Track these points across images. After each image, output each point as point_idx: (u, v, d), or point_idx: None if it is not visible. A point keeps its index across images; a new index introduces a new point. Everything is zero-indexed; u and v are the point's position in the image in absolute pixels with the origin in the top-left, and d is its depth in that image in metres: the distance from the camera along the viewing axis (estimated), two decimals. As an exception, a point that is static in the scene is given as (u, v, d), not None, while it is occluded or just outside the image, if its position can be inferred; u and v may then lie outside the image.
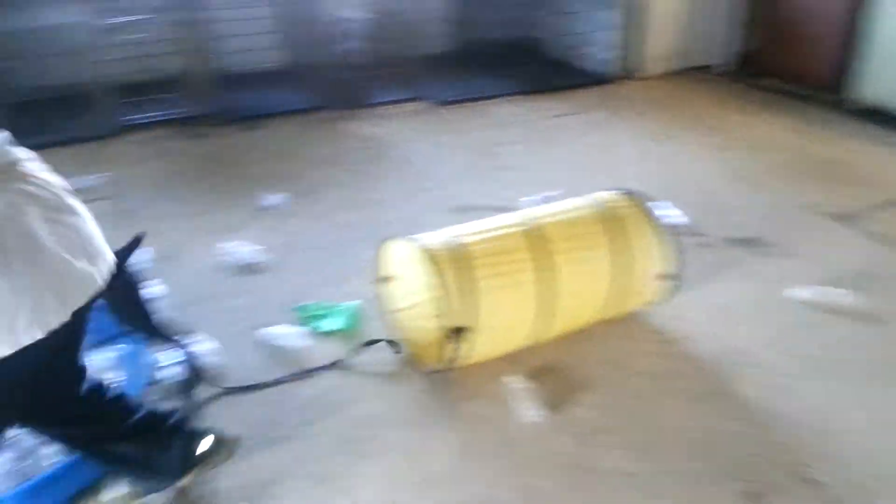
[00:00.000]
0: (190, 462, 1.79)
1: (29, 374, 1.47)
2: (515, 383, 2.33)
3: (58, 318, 1.40)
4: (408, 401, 2.33)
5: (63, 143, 4.23)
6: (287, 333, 2.58)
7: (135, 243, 1.96)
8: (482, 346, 2.29)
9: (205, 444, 1.82)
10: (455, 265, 2.23)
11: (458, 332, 2.20)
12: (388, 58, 5.08)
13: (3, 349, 1.35)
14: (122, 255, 1.88)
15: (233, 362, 2.45)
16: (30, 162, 1.46)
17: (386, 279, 2.55)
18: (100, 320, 2.33)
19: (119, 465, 1.78)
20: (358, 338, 2.59)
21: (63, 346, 1.53)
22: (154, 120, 4.62)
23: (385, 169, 4.17)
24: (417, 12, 5.27)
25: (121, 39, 4.40)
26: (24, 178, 1.41)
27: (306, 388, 2.37)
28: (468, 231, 2.39)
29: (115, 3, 4.47)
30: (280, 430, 2.18)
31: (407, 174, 4.10)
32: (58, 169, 3.79)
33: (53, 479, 1.84)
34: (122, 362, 2.29)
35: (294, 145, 4.49)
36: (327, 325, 2.65)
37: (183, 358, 2.38)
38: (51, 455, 1.91)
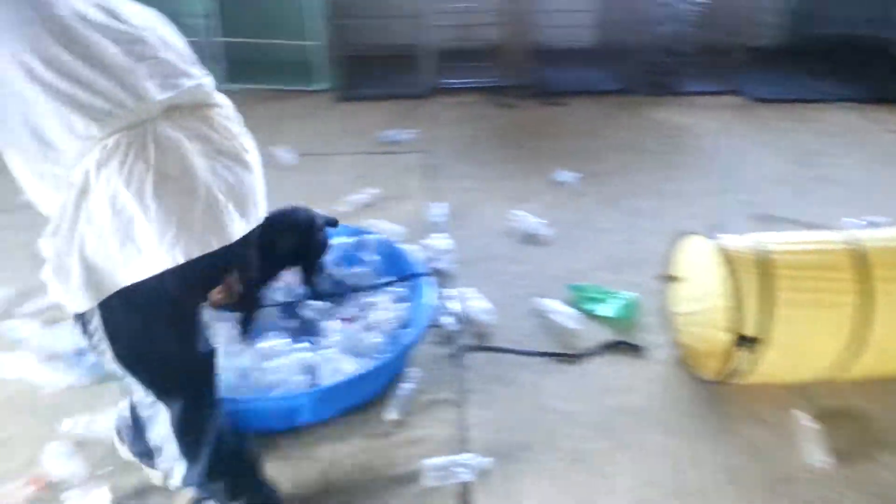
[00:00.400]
0: None
1: (158, 302, 1.39)
2: (803, 419, 2.07)
3: (199, 247, 1.32)
4: (677, 405, 2.19)
5: (385, 98, 4.71)
6: (560, 310, 2.58)
7: (332, 223, 2.20)
8: (771, 365, 2.06)
9: None
10: (756, 271, 2.03)
11: (746, 342, 2.01)
12: (709, 46, 4.77)
13: (147, 267, 1.31)
14: (320, 223, 2.12)
15: (502, 324, 2.53)
16: (221, 109, 1.45)
17: (674, 278, 2.41)
18: (398, 262, 2.60)
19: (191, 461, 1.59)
20: (630, 329, 2.51)
21: (191, 284, 1.41)
22: (466, 86, 4.90)
23: (687, 162, 3.95)
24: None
25: (450, 7, 4.72)
26: (207, 119, 1.40)
27: (570, 367, 2.35)
28: (777, 240, 2.15)
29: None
30: (537, 400, 2.20)
31: (710, 171, 3.83)
32: (378, 120, 4.24)
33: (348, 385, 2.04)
34: (410, 299, 2.47)
35: (596, 125, 4.45)
36: (602, 309, 2.59)
37: (458, 310, 2.52)
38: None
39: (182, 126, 1.35)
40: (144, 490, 1.84)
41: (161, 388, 1.51)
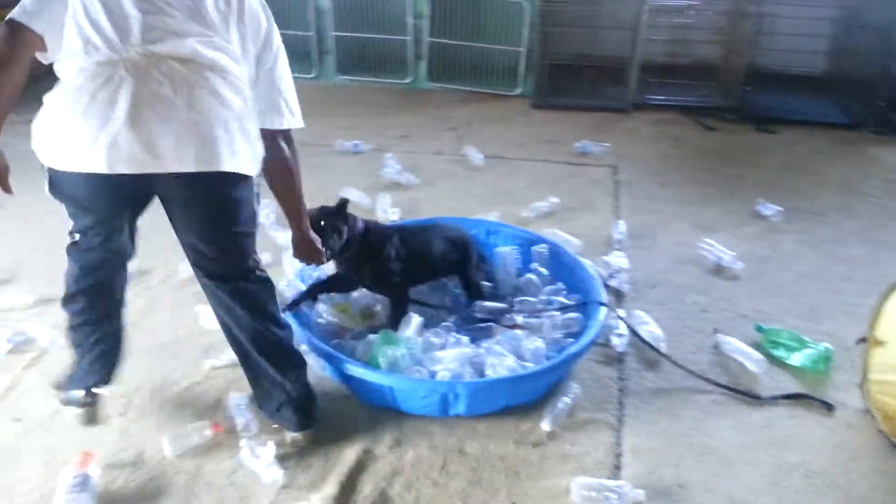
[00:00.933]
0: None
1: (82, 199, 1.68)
2: None
3: (92, 165, 1.57)
4: (863, 476, 1.95)
5: (583, 108, 4.65)
6: (743, 350, 2.40)
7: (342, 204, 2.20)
8: None
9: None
10: None
11: None
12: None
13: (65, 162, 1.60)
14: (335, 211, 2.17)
15: (674, 354, 2.39)
16: (215, 70, 1.62)
17: (878, 341, 2.14)
18: (572, 274, 2.57)
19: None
20: (819, 384, 2.28)
21: (110, 193, 1.67)
22: (668, 103, 4.71)
23: (911, 210, 3.51)
24: None
25: (667, 21, 4.56)
26: (169, 72, 1.58)
27: (745, 411, 2.18)
28: None
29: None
30: (702, 440, 2.06)
31: (937, 223, 3.37)
32: (572, 130, 4.15)
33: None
34: (585, 314, 2.43)
35: (808, 159, 4.09)
36: (794, 358, 2.37)
37: (627, 332, 2.43)
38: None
39: (144, 70, 1.58)
40: (306, 450, 1.97)
41: None
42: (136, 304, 2.50)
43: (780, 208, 3.38)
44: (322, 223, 2.11)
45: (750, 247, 3.11)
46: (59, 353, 2.32)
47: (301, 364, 1.97)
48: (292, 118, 1.83)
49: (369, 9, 4.88)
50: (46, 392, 2.15)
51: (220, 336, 1.97)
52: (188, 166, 1.62)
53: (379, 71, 5.03)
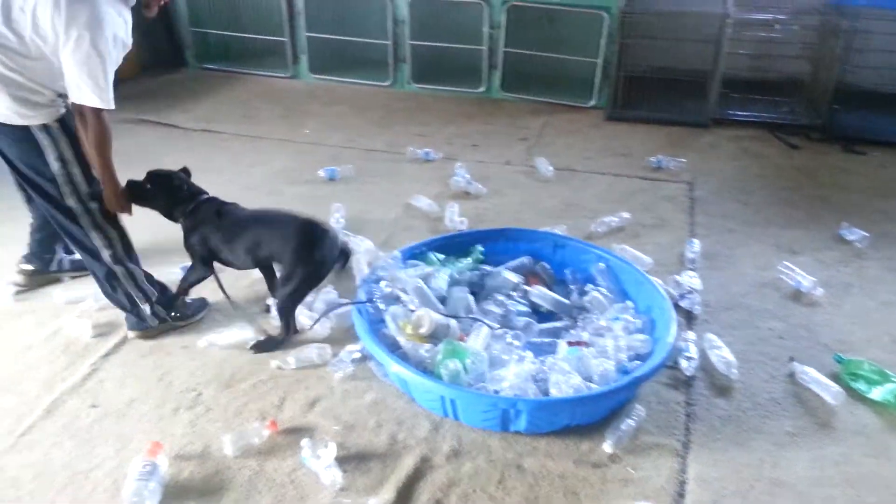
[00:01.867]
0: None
1: None
2: None
3: None
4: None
5: (658, 122, 4.54)
6: (821, 381, 2.29)
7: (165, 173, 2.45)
8: None
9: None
10: None
11: None
12: None
13: None
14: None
15: (746, 381, 2.32)
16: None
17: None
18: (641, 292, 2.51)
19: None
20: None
21: None
22: (748, 119, 4.55)
23: None
24: None
25: (752, 35, 4.42)
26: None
27: (821, 445, 2.08)
28: None
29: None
30: (773, 472, 1.98)
31: None
32: (646, 143, 4.06)
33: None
34: (648, 331, 2.37)
35: (901, 182, 3.88)
36: (875, 392, 2.25)
37: (696, 355, 2.36)
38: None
39: None
40: (365, 455, 1.99)
41: None
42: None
43: (866, 233, 3.21)
44: (148, 184, 2.41)
45: (832, 272, 2.97)
46: (137, 342, 2.43)
47: None
48: (80, 94, 2.09)
49: (445, 19, 4.92)
50: (123, 380, 2.25)
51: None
52: None
53: (452, 80, 5.06)
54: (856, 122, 4.37)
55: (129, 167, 2.41)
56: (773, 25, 4.39)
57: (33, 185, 2.23)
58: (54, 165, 2.19)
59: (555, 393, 2.05)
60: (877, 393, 2.25)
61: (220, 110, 4.67)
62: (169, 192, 2.42)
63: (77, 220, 2.26)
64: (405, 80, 5.08)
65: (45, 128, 2.15)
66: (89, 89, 2.06)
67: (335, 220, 3.18)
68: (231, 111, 4.66)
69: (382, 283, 2.43)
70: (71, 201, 2.23)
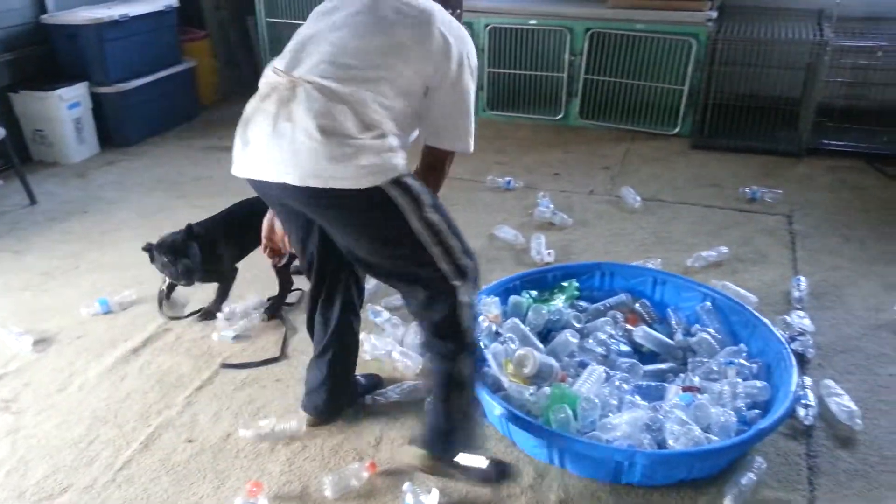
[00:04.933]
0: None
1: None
2: None
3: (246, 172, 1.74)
4: None
5: (746, 150, 4.37)
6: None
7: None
8: None
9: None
10: None
11: None
12: None
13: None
14: None
15: (870, 432, 2.15)
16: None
17: None
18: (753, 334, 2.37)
19: None
20: None
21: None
22: (844, 149, 4.33)
23: None
24: None
25: (848, 62, 4.22)
26: (317, 87, 1.63)
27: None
28: None
29: (852, 24, 4.32)
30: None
31: None
32: (734, 174, 3.90)
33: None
34: (764, 377, 2.23)
35: None
36: None
37: (814, 402, 2.20)
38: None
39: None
40: (470, 498, 1.90)
41: None
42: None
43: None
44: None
45: (953, 314, 2.76)
46: (230, 373, 2.41)
47: None
48: None
49: (525, 46, 4.87)
50: (218, 413, 2.22)
51: (383, 372, 2.00)
52: None
53: (530, 107, 5.00)
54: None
55: (211, 194, 2.40)
56: (875, 52, 4.18)
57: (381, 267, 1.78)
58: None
59: (672, 444, 1.92)
60: None
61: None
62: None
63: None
64: (482, 107, 5.04)
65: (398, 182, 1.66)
66: None
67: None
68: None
69: (482, 318, 2.35)
70: (443, 263, 1.71)
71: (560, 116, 4.90)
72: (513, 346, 2.25)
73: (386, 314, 2.66)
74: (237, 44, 5.58)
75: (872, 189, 3.95)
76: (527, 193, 3.82)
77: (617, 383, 2.16)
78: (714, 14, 4.44)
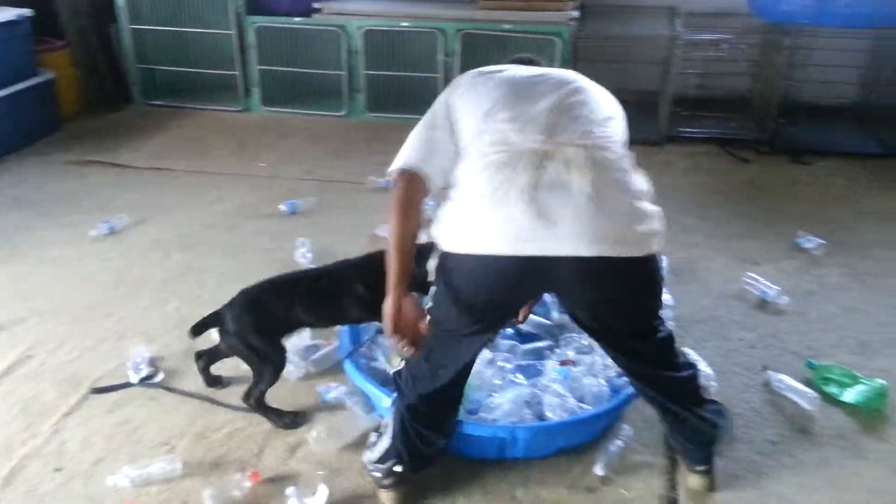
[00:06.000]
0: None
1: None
2: None
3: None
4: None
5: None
6: (796, 387, 2.33)
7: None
8: None
9: None
10: None
11: None
12: None
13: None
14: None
15: (725, 393, 2.33)
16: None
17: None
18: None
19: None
20: (875, 421, 2.23)
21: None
22: (699, 136, 4.67)
23: (958, 241, 3.43)
24: None
25: (698, 55, 4.55)
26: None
27: (805, 453, 2.11)
28: None
29: (700, 19, 4.66)
30: (759, 482, 2.00)
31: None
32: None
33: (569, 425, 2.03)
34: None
35: (848, 190, 4.02)
36: (848, 395, 2.30)
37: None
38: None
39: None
40: (355, 499, 1.93)
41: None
42: (175, 349, 2.50)
43: (822, 241, 3.31)
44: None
45: (794, 281, 3.04)
46: (101, 397, 2.31)
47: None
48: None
49: (400, 48, 4.93)
50: (87, 438, 2.13)
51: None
52: None
53: (409, 108, 5.06)
54: (801, 134, 4.53)
55: (79, 210, 2.30)
56: (718, 45, 4.53)
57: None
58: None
59: (550, 416, 2.04)
60: (849, 395, 2.30)
61: (170, 147, 4.56)
62: None
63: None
64: (361, 109, 5.06)
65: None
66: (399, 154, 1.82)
67: (301, 254, 3.11)
68: (182, 147, 4.56)
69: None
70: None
71: (438, 115, 4.99)
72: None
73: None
74: (99, 53, 5.32)
75: (726, 172, 4.28)
76: (407, 192, 3.88)
77: (500, 364, 2.26)
78: (576, 14, 4.67)
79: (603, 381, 2.18)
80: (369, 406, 2.19)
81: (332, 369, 2.39)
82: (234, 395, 2.25)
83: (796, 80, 4.45)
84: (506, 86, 1.74)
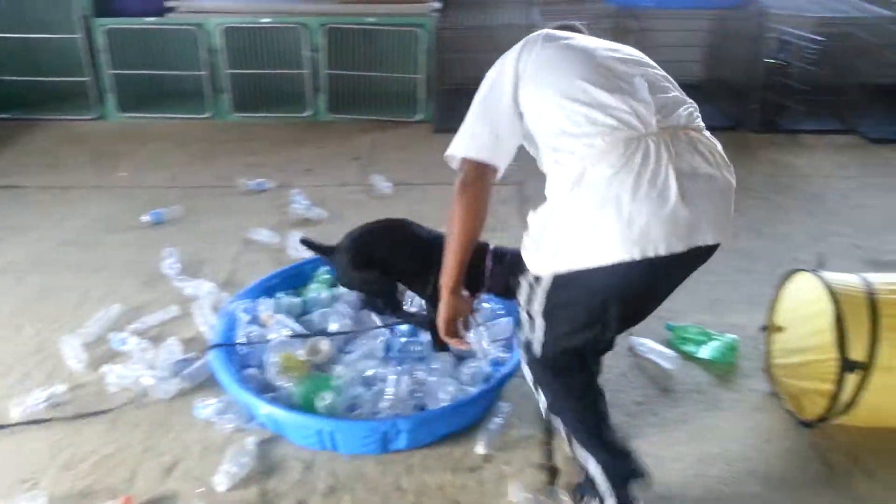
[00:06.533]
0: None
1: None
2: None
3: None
4: (778, 456, 2.09)
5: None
6: (657, 349, 2.49)
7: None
8: (877, 397, 1.95)
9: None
10: (862, 299, 1.98)
11: (852, 366, 1.92)
12: (824, 84, 4.55)
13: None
14: None
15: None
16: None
17: (777, 328, 2.29)
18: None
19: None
20: (729, 372, 2.43)
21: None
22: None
23: (796, 204, 3.77)
24: (875, 36, 4.60)
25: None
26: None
27: (664, 410, 2.27)
28: (884, 279, 2.07)
29: (557, 7, 4.84)
30: (630, 441, 2.11)
31: (820, 214, 3.63)
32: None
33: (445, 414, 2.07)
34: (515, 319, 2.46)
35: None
36: (703, 352, 2.49)
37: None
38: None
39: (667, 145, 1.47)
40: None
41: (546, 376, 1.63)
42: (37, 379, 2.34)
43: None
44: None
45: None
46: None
47: None
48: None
49: (263, 45, 4.82)
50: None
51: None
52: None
53: (278, 106, 4.97)
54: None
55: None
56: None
57: None
58: None
59: (430, 404, 2.08)
60: (704, 351, 2.49)
61: (19, 162, 4.24)
62: None
63: None
64: (226, 110, 4.91)
65: None
66: (456, 139, 1.73)
67: (168, 265, 3.00)
68: (33, 162, 4.26)
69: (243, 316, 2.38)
70: None
71: (310, 113, 4.93)
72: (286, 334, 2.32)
73: (134, 339, 2.51)
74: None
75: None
76: (280, 193, 3.81)
77: (380, 356, 2.30)
78: (438, 5, 4.73)
79: (484, 362, 2.25)
80: (248, 416, 2.14)
81: (206, 382, 2.32)
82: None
83: (647, 62, 4.73)
84: (588, 58, 1.55)
